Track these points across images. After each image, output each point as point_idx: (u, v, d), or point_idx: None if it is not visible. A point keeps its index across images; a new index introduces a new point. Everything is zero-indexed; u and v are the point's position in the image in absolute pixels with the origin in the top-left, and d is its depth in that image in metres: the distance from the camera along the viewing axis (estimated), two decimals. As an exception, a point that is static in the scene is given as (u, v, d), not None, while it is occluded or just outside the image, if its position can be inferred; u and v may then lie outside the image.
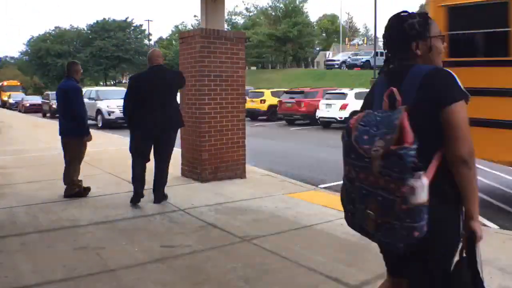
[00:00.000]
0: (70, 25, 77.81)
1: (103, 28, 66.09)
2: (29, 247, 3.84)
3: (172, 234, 4.25)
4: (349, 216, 1.79)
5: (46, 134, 13.49)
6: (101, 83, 68.20)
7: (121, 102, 6.12)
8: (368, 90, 2.05)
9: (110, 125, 17.14)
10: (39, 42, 65.62)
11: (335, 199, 5.76)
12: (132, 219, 4.73)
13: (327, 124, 17.37)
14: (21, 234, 4.19)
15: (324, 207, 5.24)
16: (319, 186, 6.68)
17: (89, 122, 6.50)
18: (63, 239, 4.07)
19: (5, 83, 46.89)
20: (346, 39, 68.78)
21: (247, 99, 19.31)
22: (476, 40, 5.46)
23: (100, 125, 17.68)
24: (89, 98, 18.22)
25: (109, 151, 9.94)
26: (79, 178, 5.61)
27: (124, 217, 4.77)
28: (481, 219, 5.15)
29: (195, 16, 66.03)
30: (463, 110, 1.62)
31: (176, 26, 74.09)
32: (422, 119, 1.61)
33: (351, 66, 39.23)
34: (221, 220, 4.69)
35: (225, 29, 6.97)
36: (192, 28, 58.85)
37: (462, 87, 1.67)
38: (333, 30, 76.99)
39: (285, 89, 22.53)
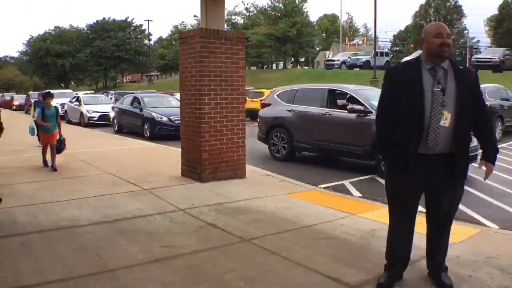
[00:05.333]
0: (70, 25, 77.60)
1: (103, 28, 66.09)
2: (29, 247, 3.84)
3: (172, 234, 4.25)
4: None
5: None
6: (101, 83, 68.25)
7: None
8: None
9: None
10: (39, 42, 65.65)
11: (335, 199, 5.78)
12: (132, 219, 4.73)
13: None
14: (21, 234, 4.19)
15: (324, 207, 5.23)
16: (319, 186, 6.68)
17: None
18: (63, 239, 4.07)
19: None
20: (346, 39, 68.77)
21: (247, 99, 19.28)
22: None
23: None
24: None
25: (109, 151, 9.93)
26: None
27: (124, 217, 4.76)
28: (481, 219, 5.16)
29: (195, 16, 65.99)
30: None
31: (176, 26, 74.06)
32: None
33: (351, 66, 39.21)
34: (221, 220, 4.69)
35: (225, 29, 6.97)
36: (192, 28, 58.83)
37: None
38: (333, 30, 76.98)
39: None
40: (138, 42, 68.82)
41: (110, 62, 65.06)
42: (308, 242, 4.03)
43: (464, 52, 64.87)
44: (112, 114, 17.35)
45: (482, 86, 16.23)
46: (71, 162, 8.18)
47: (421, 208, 5.66)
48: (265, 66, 63.61)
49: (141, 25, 70.11)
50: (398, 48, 76.46)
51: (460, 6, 61.25)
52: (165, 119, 13.59)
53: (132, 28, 69.84)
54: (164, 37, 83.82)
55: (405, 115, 2.82)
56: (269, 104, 9.94)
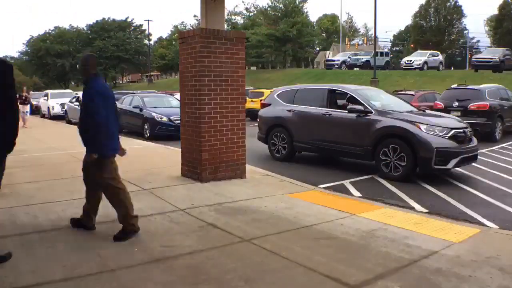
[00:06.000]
0: (70, 25, 77.67)
1: (103, 28, 66.14)
2: (29, 247, 3.84)
3: (172, 234, 4.25)
4: None
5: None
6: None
7: None
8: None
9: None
10: (39, 42, 65.70)
11: (335, 199, 5.78)
12: (132, 219, 4.73)
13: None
14: (21, 234, 4.19)
15: (324, 207, 5.24)
16: (319, 186, 6.68)
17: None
18: (63, 239, 4.07)
19: None
20: (346, 39, 68.79)
21: (247, 99, 19.29)
22: None
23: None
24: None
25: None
26: None
27: (124, 217, 4.76)
28: (481, 219, 5.16)
29: (195, 16, 65.95)
30: None
31: (176, 26, 74.05)
32: None
33: (351, 66, 39.22)
34: (221, 220, 4.69)
35: (225, 29, 6.97)
36: (192, 28, 58.82)
37: None
38: (333, 30, 77.00)
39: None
40: (138, 42, 68.84)
41: (110, 62, 65.08)
42: (308, 242, 4.03)
43: (464, 52, 64.90)
44: None
45: (482, 86, 16.16)
46: (71, 162, 8.17)
47: (421, 208, 5.63)
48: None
49: (141, 25, 70.20)
50: (398, 48, 76.54)
51: (460, 6, 61.13)
52: (165, 119, 13.48)
53: (132, 28, 69.89)
54: (164, 37, 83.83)
55: None
56: (269, 104, 9.94)
